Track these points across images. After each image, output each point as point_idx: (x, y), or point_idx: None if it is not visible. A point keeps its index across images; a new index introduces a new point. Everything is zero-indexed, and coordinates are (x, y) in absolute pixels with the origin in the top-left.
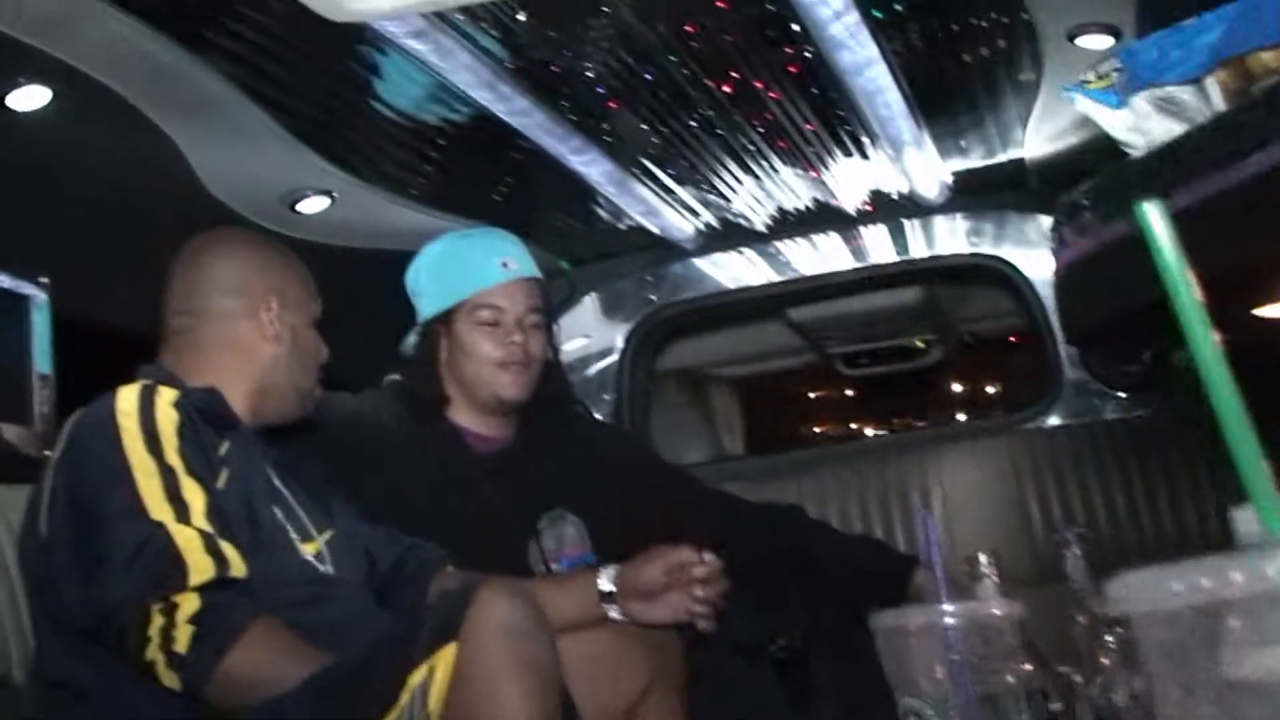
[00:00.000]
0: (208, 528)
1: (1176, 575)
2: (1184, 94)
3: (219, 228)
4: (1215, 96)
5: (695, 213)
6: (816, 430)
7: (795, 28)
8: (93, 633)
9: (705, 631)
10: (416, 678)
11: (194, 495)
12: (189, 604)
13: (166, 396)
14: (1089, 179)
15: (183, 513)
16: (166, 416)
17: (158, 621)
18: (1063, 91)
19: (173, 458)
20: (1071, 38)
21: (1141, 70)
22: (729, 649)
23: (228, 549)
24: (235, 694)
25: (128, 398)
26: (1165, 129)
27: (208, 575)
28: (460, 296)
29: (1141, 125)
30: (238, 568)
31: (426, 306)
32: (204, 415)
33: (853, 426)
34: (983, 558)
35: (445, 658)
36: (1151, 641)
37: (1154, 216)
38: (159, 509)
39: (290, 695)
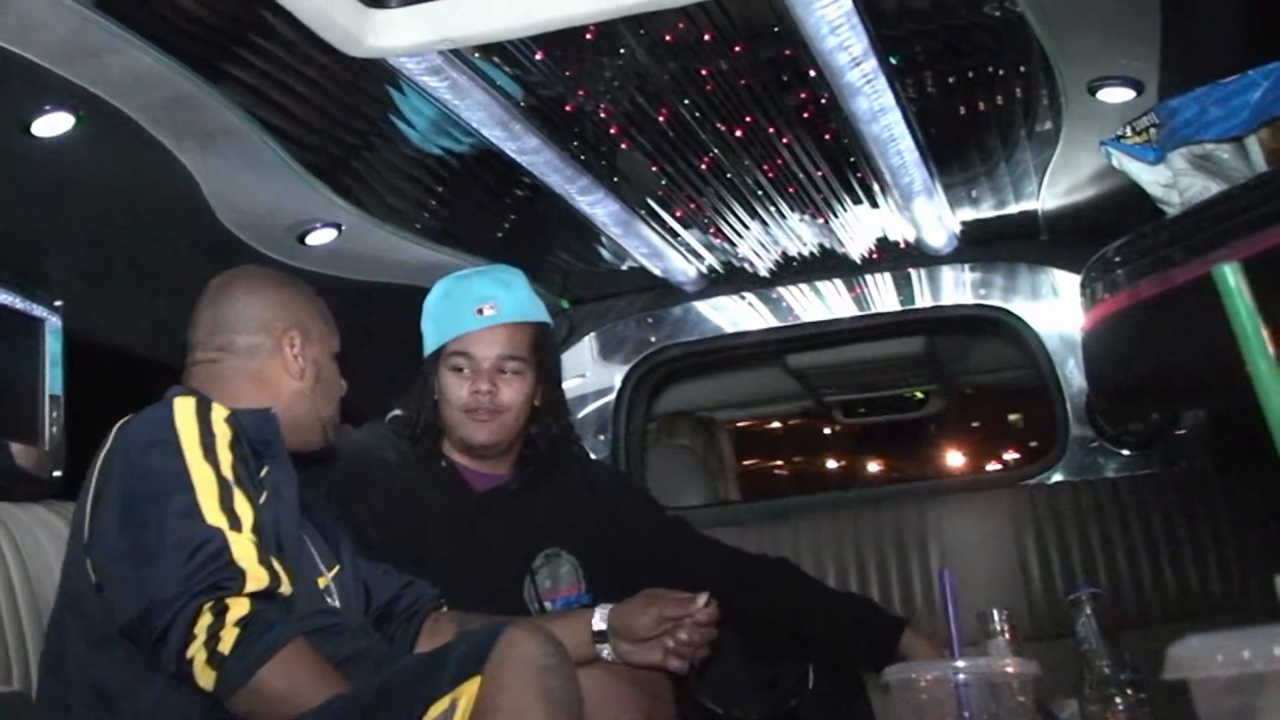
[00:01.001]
0: (257, 541)
1: (1243, 641)
2: (1223, 152)
3: (241, 266)
4: (1256, 156)
5: (699, 256)
6: (811, 477)
7: (811, 73)
8: (129, 628)
9: (675, 672)
10: (438, 709)
11: (244, 509)
12: (239, 608)
13: (219, 411)
14: (1119, 236)
15: (235, 523)
16: (221, 430)
17: (206, 620)
18: (1100, 146)
19: (227, 470)
20: (1092, 91)
21: (1180, 126)
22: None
23: (278, 564)
24: (262, 704)
25: (185, 407)
26: (1202, 187)
27: (262, 584)
28: (440, 341)
29: (1179, 183)
30: (286, 584)
31: (426, 346)
32: (249, 437)
33: (848, 473)
34: (996, 614)
35: (468, 691)
36: (1212, 707)
37: (1232, 277)
38: (215, 516)
39: (310, 716)
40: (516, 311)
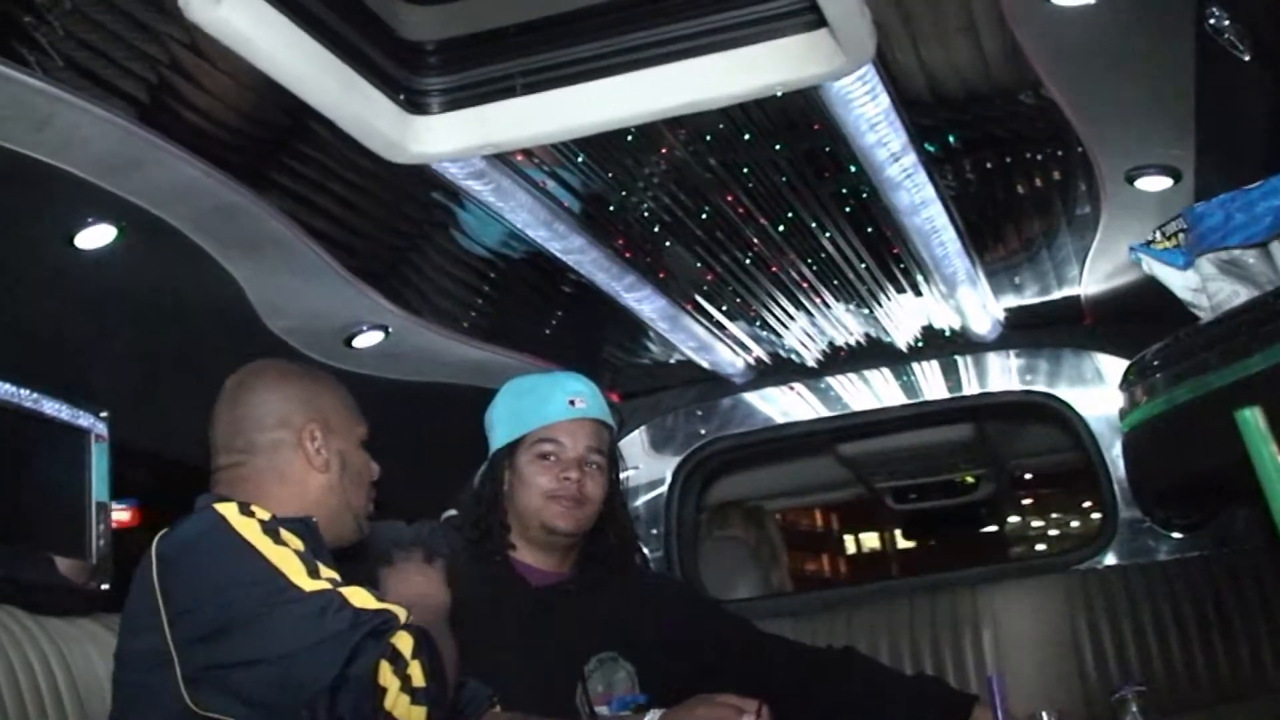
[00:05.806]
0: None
1: None
2: (1249, 258)
3: (254, 363)
4: None
5: (746, 348)
6: (863, 564)
7: (851, 168)
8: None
9: None
10: None
11: (331, 574)
12: (404, 642)
13: (260, 514)
14: (1163, 321)
15: (335, 582)
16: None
17: (386, 670)
18: (1130, 252)
19: (297, 544)
20: (1130, 179)
21: (1206, 233)
22: None
23: None
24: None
25: (229, 509)
26: (1231, 291)
27: (405, 613)
28: (525, 429)
29: (1207, 287)
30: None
31: (496, 439)
32: None
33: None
34: (1045, 715)
35: None
36: None
37: (1256, 423)
38: (314, 584)
39: None
40: (600, 411)
